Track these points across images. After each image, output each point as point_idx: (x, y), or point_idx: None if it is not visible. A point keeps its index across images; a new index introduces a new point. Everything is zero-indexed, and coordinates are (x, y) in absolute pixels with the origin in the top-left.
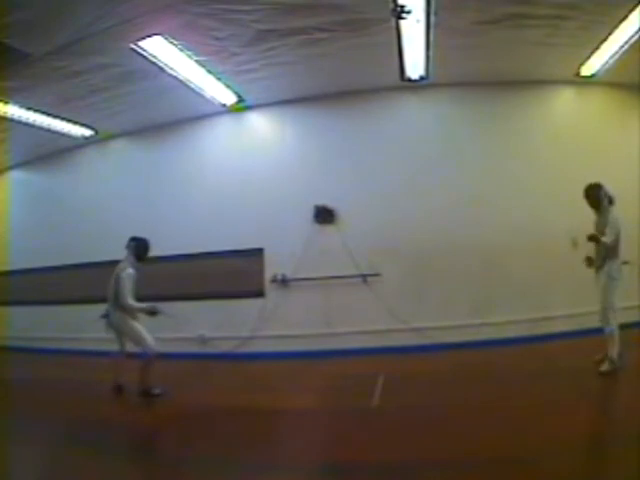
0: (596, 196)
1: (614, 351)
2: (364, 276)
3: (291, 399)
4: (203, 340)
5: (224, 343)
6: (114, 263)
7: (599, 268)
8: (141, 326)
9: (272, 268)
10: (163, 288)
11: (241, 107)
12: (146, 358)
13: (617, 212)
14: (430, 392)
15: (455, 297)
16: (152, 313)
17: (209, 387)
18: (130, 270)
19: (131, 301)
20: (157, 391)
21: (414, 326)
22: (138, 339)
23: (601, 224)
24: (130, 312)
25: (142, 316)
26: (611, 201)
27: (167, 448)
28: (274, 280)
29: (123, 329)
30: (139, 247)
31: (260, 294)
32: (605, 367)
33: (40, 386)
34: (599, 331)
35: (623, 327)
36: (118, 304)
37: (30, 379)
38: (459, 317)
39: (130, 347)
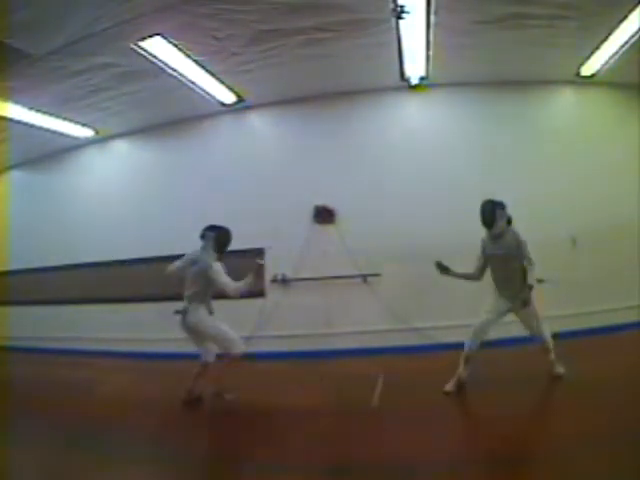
0: (493, 213)
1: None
2: (364, 276)
3: (291, 399)
4: None
5: None
6: (114, 263)
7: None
8: (226, 324)
9: (272, 267)
10: (163, 288)
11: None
12: (229, 359)
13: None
14: (430, 392)
15: (455, 297)
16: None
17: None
18: (218, 264)
19: (232, 284)
20: (229, 396)
21: (414, 326)
22: (223, 338)
23: (502, 245)
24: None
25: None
26: (509, 222)
27: (167, 448)
28: (274, 280)
29: (204, 329)
30: (219, 237)
31: (260, 294)
32: (561, 370)
33: (40, 387)
34: (597, 331)
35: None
36: (199, 300)
37: (30, 380)
38: (459, 317)
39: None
